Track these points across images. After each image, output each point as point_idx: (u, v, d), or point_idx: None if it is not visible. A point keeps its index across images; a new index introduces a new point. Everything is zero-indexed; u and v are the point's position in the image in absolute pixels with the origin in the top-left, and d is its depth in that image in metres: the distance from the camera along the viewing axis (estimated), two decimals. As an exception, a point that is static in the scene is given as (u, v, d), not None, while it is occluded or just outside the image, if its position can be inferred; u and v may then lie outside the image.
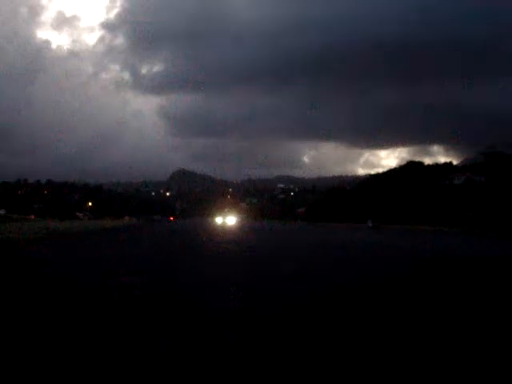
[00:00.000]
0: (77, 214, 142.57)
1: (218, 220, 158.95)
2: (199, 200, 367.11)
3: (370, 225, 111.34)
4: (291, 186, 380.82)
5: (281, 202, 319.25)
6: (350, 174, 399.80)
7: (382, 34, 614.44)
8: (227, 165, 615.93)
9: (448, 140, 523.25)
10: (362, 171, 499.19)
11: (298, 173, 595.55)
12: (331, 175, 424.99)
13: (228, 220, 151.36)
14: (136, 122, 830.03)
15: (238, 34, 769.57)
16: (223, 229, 75.71)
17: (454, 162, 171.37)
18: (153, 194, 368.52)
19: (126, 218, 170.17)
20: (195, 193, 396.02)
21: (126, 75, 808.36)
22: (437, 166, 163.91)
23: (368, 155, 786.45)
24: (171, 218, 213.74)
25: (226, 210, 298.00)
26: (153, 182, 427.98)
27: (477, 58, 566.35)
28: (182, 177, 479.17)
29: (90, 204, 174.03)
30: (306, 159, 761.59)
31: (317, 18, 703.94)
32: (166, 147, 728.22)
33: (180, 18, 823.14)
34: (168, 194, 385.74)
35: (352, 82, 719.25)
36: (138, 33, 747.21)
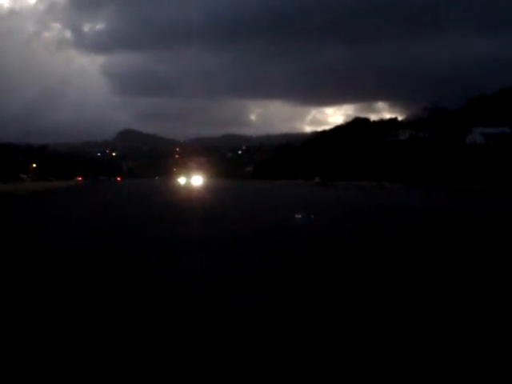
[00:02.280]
0: (21, 175, 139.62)
1: (181, 180, 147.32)
2: (146, 160, 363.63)
3: (318, 181, 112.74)
4: (239, 144, 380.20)
5: (229, 160, 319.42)
6: (297, 132, 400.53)
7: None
8: (174, 124, 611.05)
9: (393, 96, 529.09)
10: (308, 129, 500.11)
11: (245, 131, 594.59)
12: (278, 133, 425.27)
13: (194, 180, 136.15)
14: (79, 82, 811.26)
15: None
16: (194, 194, 58.74)
17: (399, 118, 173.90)
18: (98, 154, 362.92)
19: (78, 178, 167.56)
20: (142, 152, 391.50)
21: (68, 33, 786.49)
22: (382, 122, 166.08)
23: (315, 113, 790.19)
24: (118, 179, 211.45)
25: (175, 169, 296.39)
26: (98, 142, 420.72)
27: (413, 19, 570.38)
28: (128, 136, 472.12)
29: (34, 165, 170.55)
30: (253, 117, 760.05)
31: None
32: (110, 107, 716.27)
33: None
34: (114, 154, 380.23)
35: (299, 42, 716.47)
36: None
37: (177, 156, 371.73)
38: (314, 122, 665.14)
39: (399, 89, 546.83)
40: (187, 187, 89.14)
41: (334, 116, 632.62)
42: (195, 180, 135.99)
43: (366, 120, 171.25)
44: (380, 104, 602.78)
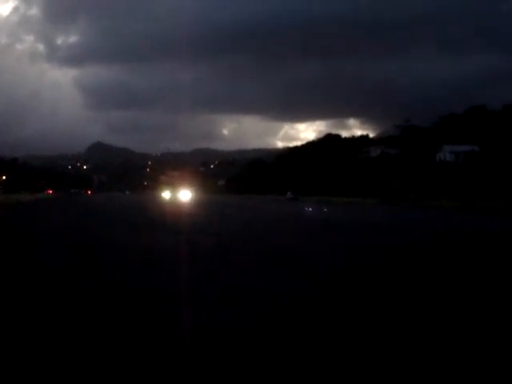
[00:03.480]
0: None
1: (166, 195, 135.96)
2: (117, 173, 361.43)
3: (290, 196, 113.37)
4: (211, 159, 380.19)
5: (201, 174, 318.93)
6: (269, 147, 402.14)
7: (304, 11, 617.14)
8: (146, 138, 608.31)
9: (364, 114, 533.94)
10: (281, 144, 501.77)
11: (218, 145, 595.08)
12: (251, 148, 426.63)
13: (181, 195, 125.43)
14: (52, 94, 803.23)
15: (158, 6, 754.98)
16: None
17: (371, 135, 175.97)
18: (69, 167, 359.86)
19: (49, 191, 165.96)
20: (113, 166, 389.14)
21: (41, 46, 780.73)
22: (354, 138, 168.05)
23: (287, 128, 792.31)
24: (88, 192, 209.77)
25: (146, 183, 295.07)
26: (69, 155, 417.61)
27: (385, 37, 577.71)
28: (100, 150, 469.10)
29: (3, 178, 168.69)
30: (225, 132, 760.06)
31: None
32: (82, 120, 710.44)
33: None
34: (85, 167, 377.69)
35: (272, 57, 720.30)
36: (53, 3, 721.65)
37: (148, 170, 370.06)
38: (286, 138, 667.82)
39: (371, 106, 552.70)
40: (174, 203, 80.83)
41: (306, 132, 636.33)
42: (183, 194, 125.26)
43: (338, 136, 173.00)
44: (351, 121, 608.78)
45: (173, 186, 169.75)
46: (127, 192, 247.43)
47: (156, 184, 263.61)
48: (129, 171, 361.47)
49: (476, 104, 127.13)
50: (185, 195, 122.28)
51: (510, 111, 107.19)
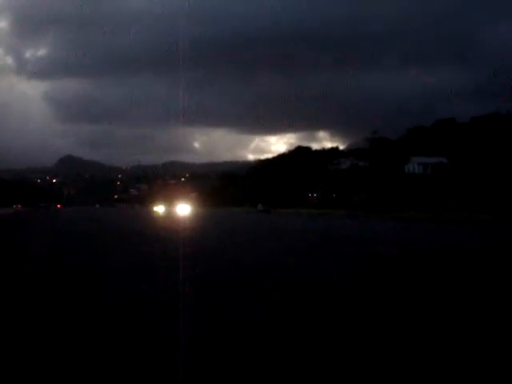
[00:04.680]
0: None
1: (159, 209, 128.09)
2: (87, 187, 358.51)
3: (261, 209, 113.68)
4: (182, 172, 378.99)
5: (171, 187, 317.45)
6: (240, 160, 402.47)
7: (274, 25, 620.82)
8: (116, 151, 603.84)
9: (334, 126, 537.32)
10: (252, 157, 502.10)
11: (189, 158, 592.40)
12: (222, 161, 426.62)
13: (180, 209, 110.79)
14: (21, 108, 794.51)
15: (127, 20, 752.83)
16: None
17: (341, 147, 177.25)
18: (38, 180, 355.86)
19: (17, 206, 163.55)
20: (83, 179, 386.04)
21: (10, 60, 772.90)
22: (324, 151, 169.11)
23: (258, 141, 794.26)
24: (58, 206, 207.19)
25: (116, 196, 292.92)
26: (39, 169, 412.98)
27: (354, 50, 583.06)
28: (70, 163, 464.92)
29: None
30: (196, 145, 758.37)
31: (208, 8, 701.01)
32: (52, 133, 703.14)
33: (66, 1, 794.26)
34: (54, 180, 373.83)
35: (242, 71, 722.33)
36: (22, 16, 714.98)
37: (119, 183, 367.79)
38: (257, 151, 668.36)
39: (340, 119, 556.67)
40: (171, 218, 71.49)
41: (277, 144, 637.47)
42: (181, 209, 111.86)
43: (308, 149, 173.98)
44: (322, 133, 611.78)
45: (166, 200, 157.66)
46: (97, 205, 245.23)
47: (127, 197, 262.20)
48: (99, 185, 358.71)
49: (444, 117, 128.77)
50: (183, 209, 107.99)
51: (478, 124, 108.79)
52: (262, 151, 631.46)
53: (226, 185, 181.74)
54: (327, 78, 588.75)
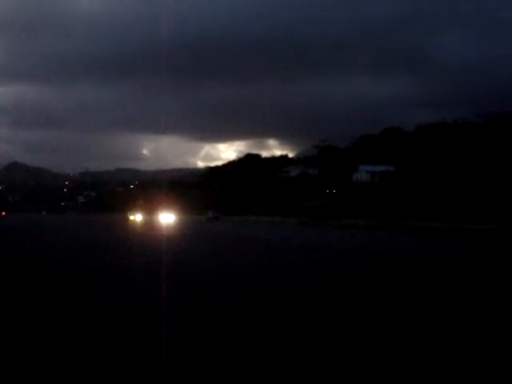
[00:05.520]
0: None
1: (137, 217, 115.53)
2: (33, 194, 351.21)
3: (211, 216, 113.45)
4: (131, 179, 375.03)
5: (120, 194, 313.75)
6: (190, 167, 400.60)
7: (222, 31, 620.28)
8: (63, 157, 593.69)
9: (283, 134, 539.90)
10: (201, 164, 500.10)
11: (138, 165, 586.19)
12: (172, 168, 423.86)
13: (164, 218, 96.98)
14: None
15: (75, 24, 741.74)
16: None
17: (290, 155, 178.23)
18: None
19: None
20: (29, 186, 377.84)
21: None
22: (273, 158, 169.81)
23: (208, 148, 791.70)
24: (3, 213, 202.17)
25: (63, 203, 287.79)
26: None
27: (304, 59, 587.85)
28: (16, 170, 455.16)
29: None
30: (146, 152, 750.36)
31: (159, 13, 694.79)
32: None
33: (8, 7, 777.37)
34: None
35: (191, 77, 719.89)
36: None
37: (66, 190, 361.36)
38: (206, 158, 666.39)
39: (290, 127, 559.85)
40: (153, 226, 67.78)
41: (227, 152, 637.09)
42: (165, 217, 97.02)
43: (258, 156, 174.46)
44: (271, 141, 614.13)
45: (141, 207, 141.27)
46: (43, 213, 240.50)
47: (74, 204, 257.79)
48: (45, 191, 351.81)
49: (391, 125, 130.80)
50: (166, 218, 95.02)
51: (423, 132, 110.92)
52: (212, 158, 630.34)
53: (174, 192, 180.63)
54: (277, 85, 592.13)
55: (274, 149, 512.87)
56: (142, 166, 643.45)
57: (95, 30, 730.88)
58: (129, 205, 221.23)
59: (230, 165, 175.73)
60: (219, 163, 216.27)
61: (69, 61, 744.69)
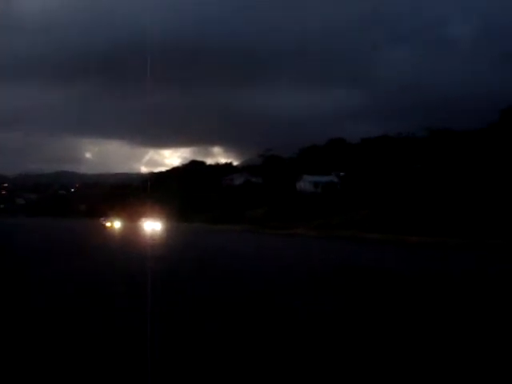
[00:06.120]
0: None
1: (116, 224, 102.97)
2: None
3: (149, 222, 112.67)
4: (72, 182, 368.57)
5: (61, 197, 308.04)
6: (133, 172, 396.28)
7: (168, 36, 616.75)
8: (2, 159, 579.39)
9: (228, 142, 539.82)
10: (145, 169, 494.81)
11: (80, 169, 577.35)
12: (115, 172, 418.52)
13: (149, 225, 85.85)
14: None
15: (20, 24, 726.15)
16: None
17: (234, 163, 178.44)
18: None
19: None
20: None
21: None
22: (218, 165, 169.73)
23: (152, 154, 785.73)
24: None
25: (2, 206, 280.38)
26: None
27: (252, 67, 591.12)
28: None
29: None
30: (89, 156, 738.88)
31: (98, 17, 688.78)
32: None
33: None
34: None
35: (137, 83, 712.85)
36: None
37: (4, 192, 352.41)
38: (150, 164, 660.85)
39: (235, 134, 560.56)
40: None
41: (171, 158, 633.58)
42: (149, 225, 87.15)
43: (202, 163, 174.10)
44: (216, 148, 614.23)
45: (118, 212, 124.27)
46: None
47: (12, 207, 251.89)
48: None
49: (335, 136, 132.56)
50: (152, 225, 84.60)
51: (367, 145, 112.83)
52: (156, 164, 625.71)
53: (116, 196, 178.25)
54: (223, 93, 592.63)
55: (218, 156, 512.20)
56: (85, 169, 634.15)
57: (42, 33, 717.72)
58: (74, 208, 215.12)
59: (175, 171, 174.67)
60: (163, 169, 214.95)
61: (12, 62, 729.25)
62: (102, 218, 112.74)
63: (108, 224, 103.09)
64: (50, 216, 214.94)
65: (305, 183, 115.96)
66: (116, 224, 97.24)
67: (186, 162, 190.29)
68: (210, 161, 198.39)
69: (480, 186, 64.42)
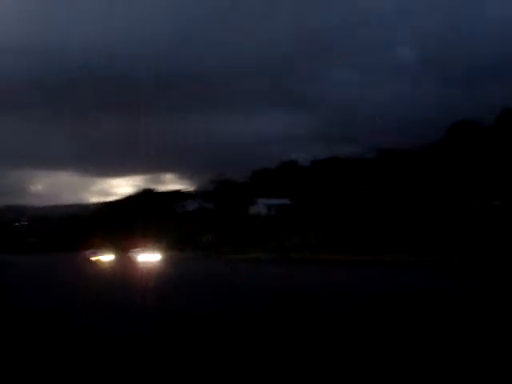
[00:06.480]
0: None
1: (106, 258, 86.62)
2: None
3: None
4: (23, 216, 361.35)
5: (12, 232, 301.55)
6: (84, 202, 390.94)
7: (117, 63, 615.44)
8: None
9: (180, 168, 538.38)
10: (96, 199, 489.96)
11: (30, 201, 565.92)
12: (66, 203, 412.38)
13: (145, 257, 74.03)
14: None
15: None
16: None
17: (188, 190, 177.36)
18: None
19: None
20: None
21: None
22: (171, 192, 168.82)
23: (103, 183, 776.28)
24: None
25: None
26: None
27: (202, 94, 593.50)
28: None
29: None
30: (38, 188, 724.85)
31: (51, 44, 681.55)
32: None
33: None
34: None
35: (86, 112, 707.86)
36: None
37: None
38: (102, 193, 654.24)
39: (187, 161, 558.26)
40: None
41: (123, 187, 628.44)
42: (145, 257, 74.23)
43: (155, 190, 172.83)
44: (168, 176, 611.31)
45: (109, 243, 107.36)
46: None
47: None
48: None
49: (287, 160, 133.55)
50: (150, 257, 73.99)
51: (318, 167, 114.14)
52: (108, 194, 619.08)
53: (66, 228, 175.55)
54: (174, 120, 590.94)
55: (171, 183, 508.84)
56: (35, 201, 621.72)
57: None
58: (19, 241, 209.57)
59: (127, 199, 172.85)
60: (115, 198, 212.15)
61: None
62: (89, 252, 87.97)
63: (97, 258, 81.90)
64: (10, 252, 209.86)
65: (259, 206, 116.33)
66: (107, 258, 79.17)
67: (139, 190, 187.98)
68: (162, 188, 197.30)
69: (427, 203, 65.69)
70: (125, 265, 62.32)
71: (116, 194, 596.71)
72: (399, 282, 30.47)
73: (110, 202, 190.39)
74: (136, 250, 77.02)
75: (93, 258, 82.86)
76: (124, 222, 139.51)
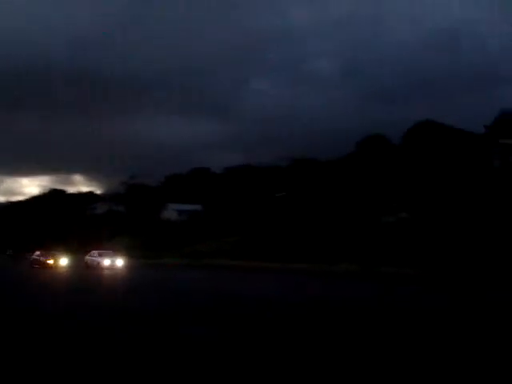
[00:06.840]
0: None
1: (61, 262, 66.89)
2: None
3: (11, 253, 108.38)
4: None
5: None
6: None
7: (27, 63, 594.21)
8: None
9: (90, 170, 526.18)
10: (1, 198, 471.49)
11: None
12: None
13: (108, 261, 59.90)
14: None
15: None
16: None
17: (97, 192, 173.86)
18: None
19: None
20: None
21: None
22: (80, 194, 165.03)
23: (8, 182, 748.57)
24: None
25: None
26: None
27: (116, 95, 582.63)
28: None
29: None
30: None
31: None
32: None
33: None
34: None
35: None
36: None
37: None
38: (7, 192, 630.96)
39: (97, 163, 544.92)
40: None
41: (30, 187, 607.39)
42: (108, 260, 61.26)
43: (64, 192, 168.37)
44: (77, 177, 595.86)
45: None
46: None
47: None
48: None
49: (200, 165, 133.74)
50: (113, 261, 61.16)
51: (231, 174, 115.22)
52: (13, 193, 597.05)
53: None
54: (83, 122, 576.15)
55: (80, 185, 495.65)
56: None
57: None
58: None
59: (34, 200, 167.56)
60: (21, 198, 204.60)
61: None
62: (37, 253, 70.28)
63: (51, 262, 65.16)
64: None
65: (170, 211, 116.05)
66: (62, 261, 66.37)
67: (46, 190, 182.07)
68: (71, 189, 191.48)
69: (337, 213, 67.77)
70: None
71: (23, 194, 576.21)
72: (308, 288, 31.88)
73: (16, 202, 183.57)
74: (94, 253, 62.26)
75: (49, 262, 64.44)
76: (30, 223, 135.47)
